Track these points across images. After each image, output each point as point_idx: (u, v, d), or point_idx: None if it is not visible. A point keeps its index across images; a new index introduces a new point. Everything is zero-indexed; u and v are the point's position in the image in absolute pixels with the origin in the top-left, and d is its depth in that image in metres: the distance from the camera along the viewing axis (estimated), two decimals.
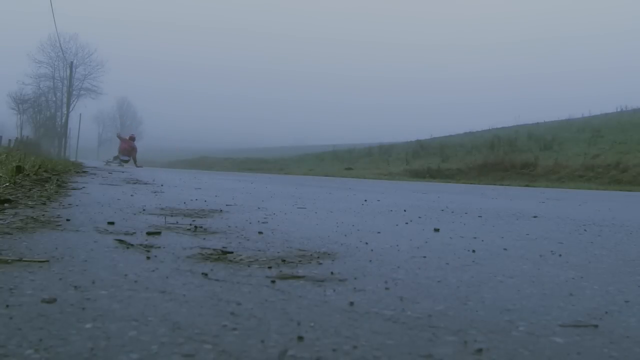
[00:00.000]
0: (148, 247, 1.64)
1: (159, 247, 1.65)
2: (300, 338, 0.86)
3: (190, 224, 2.25)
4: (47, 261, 1.36)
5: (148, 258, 1.47)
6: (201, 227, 2.18)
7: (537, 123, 27.69)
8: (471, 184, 13.02)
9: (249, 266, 1.43)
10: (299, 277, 1.30)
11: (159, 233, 1.95)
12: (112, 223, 2.17)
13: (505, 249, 1.90)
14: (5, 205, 2.51)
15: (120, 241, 1.73)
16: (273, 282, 1.25)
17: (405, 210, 3.49)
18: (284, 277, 1.30)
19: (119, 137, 21.66)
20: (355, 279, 1.32)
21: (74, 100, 47.83)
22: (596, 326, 0.99)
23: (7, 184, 3.38)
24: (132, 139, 20.89)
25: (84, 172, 9.02)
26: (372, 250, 1.78)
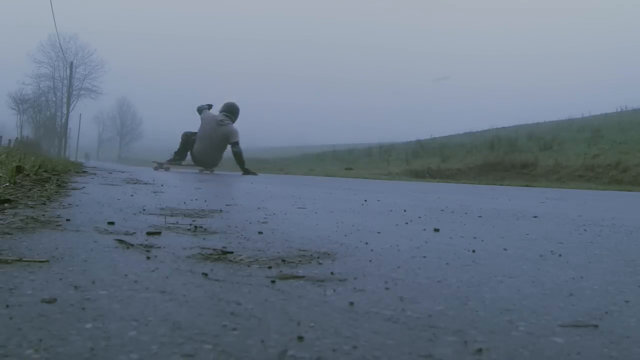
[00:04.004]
0: (148, 247, 1.64)
1: (159, 247, 1.65)
2: (300, 338, 0.86)
3: (190, 224, 2.25)
4: (47, 261, 1.36)
5: (148, 258, 1.47)
6: (201, 227, 2.18)
7: (537, 123, 27.70)
8: (471, 184, 13.02)
9: (249, 266, 1.43)
10: (299, 277, 1.30)
11: (159, 233, 1.95)
12: (112, 223, 2.17)
13: (505, 249, 1.90)
14: (5, 205, 2.51)
15: (120, 241, 1.73)
16: (273, 282, 1.25)
17: (405, 210, 3.49)
18: (284, 277, 1.30)
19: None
20: (355, 279, 1.32)
21: (74, 100, 47.86)
22: (596, 326, 0.99)
23: (7, 184, 3.38)
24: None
25: (84, 172, 9.02)
26: (372, 250, 1.78)
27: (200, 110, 11.64)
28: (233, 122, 11.41)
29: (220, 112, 11.40)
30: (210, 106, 11.77)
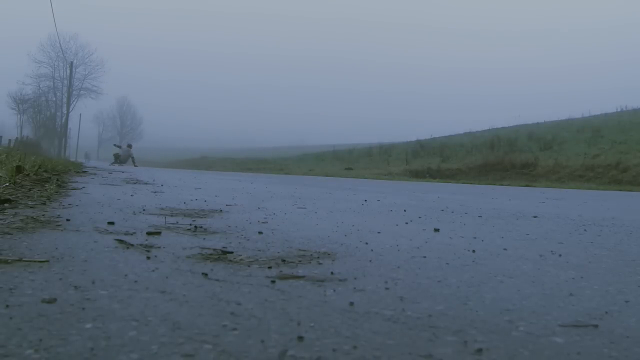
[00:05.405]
0: (148, 247, 1.64)
1: (159, 247, 1.65)
2: (300, 338, 0.86)
3: (190, 224, 2.25)
4: (47, 261, 1.36)
5: (148, 258, 1.48)
6: (201, 227, 2.18)
7: (537, 123, 27.67)
8: (471, 184, 13.02)
9: (249, 266, 1.43)
10: (299, 277, 1.31)
11: (159, 233, 1.95)
12: (112, 223, 2.17)
13: (505, 249, 1.90)
14: (5, 205, 2.51)
15: (120, 241, 1.73)
16: (273, 282, 1.25)
17: (405, 210, 3.49)
18: (284, 277, 1.30)
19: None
20: (355, 279, 1.32)
21: (74, 100, 47.74)
22: (596, 326, 0.99)
23: (7, 184, 3.38)
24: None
25: (84, 172, 9.03)
26: (372, 250, 1.78)
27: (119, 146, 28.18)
28: (130, 149, 26.97)
29: (127, 146, 27.28)
30: (129, 145, 27.67)
